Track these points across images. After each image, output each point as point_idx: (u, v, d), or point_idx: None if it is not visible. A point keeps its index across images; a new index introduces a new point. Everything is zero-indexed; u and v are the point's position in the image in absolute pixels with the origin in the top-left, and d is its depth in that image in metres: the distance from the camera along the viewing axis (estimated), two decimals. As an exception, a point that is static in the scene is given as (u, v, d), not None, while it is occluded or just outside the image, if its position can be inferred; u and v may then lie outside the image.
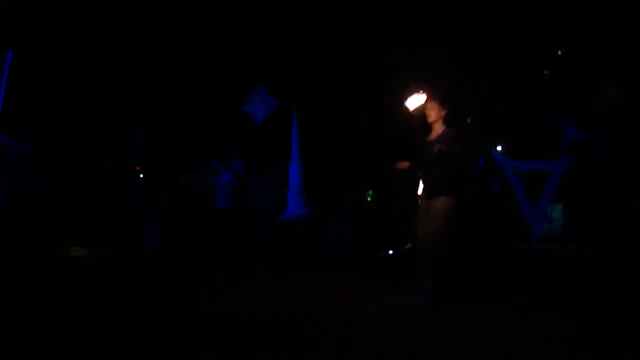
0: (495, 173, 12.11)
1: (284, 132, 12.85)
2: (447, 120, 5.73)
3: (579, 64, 12.31)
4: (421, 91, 5.79)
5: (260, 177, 12.80)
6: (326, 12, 12.77)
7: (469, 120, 12.38)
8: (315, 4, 12.88)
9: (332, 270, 8.83)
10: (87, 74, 12.19)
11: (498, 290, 6.62)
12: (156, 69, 13.10)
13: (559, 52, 12.38)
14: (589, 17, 11.48)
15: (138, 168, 12.46)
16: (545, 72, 12.73)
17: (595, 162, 11.99)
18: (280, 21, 13.03)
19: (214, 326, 4.79)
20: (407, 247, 11.31)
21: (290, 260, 9.89)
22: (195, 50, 13.24)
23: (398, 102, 5.90)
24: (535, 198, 11.77)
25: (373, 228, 12.00)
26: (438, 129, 5.76)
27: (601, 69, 12.19)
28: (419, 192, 5.82)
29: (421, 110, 5.79)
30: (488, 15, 11.93)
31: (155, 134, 12.93)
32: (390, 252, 11.39)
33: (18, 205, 11.16)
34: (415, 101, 5.82)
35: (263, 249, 10.88)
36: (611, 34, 11.58)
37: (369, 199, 13.65)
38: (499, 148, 13.06)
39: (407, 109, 5.84)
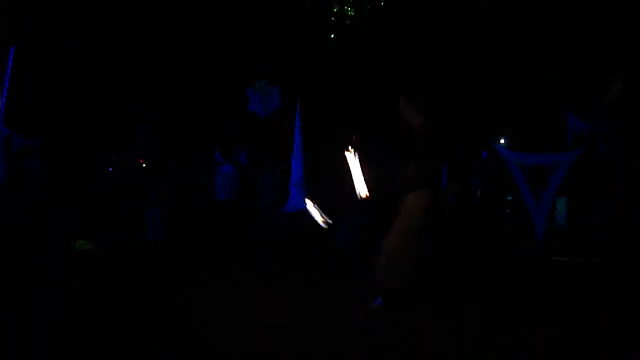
0: (499, 166, 12.04)
1: (288, 124, 12.78)
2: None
3: (586, 57, 12.21)
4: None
5: (264, 170, 12.76)
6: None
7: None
8: None
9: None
10: (91, 67, 12.19)
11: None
12: (161, 60, 13.07)
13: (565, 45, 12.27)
14: (595, 10, 11.39)
15: (141, 161, 12.47)
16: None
17: (601, 156, 11.92)
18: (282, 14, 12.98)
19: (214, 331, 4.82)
20: None
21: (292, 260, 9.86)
22: (199, 41, 13.19)
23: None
24: (539, 192, 11.71)
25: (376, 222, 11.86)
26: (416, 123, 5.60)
27: (608, 61, 12.10)
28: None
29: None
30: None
31: (160, 126, 12.92)
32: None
33: (23, 199, 11.21)
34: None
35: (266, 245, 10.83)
36: (617, 28, 11.48)
37: None
38: (502, 141, 13.01)
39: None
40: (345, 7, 13.74)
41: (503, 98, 12.46)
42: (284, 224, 11.43)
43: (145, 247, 10.66)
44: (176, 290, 6.65)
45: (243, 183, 12.44)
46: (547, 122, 12.42)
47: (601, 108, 12.09)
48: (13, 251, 9.23)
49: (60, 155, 11.75)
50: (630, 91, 11.76)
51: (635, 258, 8.44)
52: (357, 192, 5.52)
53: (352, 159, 5.60)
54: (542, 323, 5.03)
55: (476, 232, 10.60)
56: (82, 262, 9.14)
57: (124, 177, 11.97)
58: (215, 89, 13.00)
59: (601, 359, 4.15)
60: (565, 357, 4.16)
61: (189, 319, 5.11)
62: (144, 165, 12.78)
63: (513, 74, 12.36)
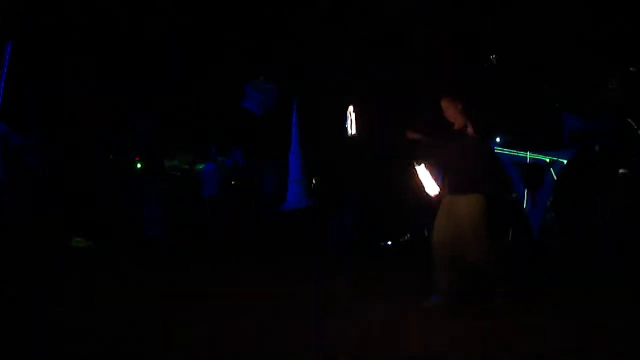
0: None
1: (284, 122, 12.81)
2: (465, 114, 5.63)
3: (579, 55, 12.26)
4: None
5: (261, 167, 12.81)
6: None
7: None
8: None
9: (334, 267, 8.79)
10: (88, 65, 12.16)
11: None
12: (156, 59, 13.04)
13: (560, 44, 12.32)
14: (587, 9, 11.44)
15: (137, 159, 12.46)
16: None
17: (597, 154, 12.00)
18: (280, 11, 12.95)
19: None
20: (406, 238, 11.31)
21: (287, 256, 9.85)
22: (196, 39, 13.16)
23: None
24: (535, 190, 11.78)
25: (374, 218, 11.92)
26: (460, 123, 5.66)
27: (602, 60, 12.14)
28: (440, 186, 5.79)
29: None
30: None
31: (156, 124, 12.87)
32: (389, 243, 11.40)
33: (20, 196, 11.19)
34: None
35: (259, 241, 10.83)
36: (611, 26, 11.54)
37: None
38: (497, 139, 13.04)
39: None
40: None
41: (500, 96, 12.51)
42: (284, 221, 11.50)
43: (144, 245, 10.64)
44: (174, 289, 6.65)
45: (234, 180, 12.49)
46: (543, 120, 12.47)
47: (598, 106, 12.15)
48: (10, 248, 9.20)
49: (58, 153, 11.73)
50: (627, 89, 11.83)
51: (630, 256, 8.51)
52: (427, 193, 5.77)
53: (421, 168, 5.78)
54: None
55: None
56: (78, 260, 9.12)
57: (122, 174, 11.97)
58: (213, 87, 12.99)
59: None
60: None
61: (189, 319, 5.11)
62: (138, 165, 12.77)
63: (511, 73, 12.42)
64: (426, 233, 11.58)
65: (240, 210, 12.35)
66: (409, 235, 11.37)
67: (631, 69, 11.44)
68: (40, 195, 11.10)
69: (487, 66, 12.63)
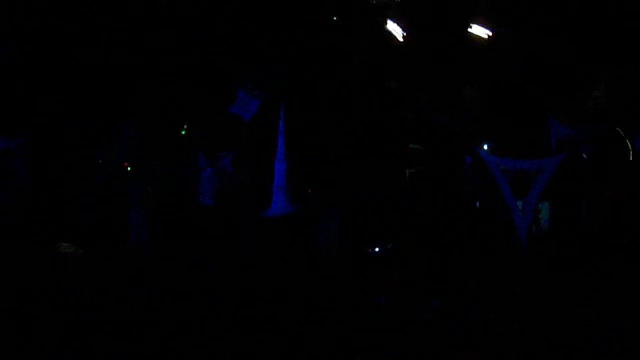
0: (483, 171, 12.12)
1: (271, 127, 12.80)
2: None
3: (567, 62, 12.32)
4: None
5: (247, 173, 12.81)
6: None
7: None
8: None
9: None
10: (76, 70, 12.17)
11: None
12: (145, 64, 13.04)
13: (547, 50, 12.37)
14: (577, 15, 11.51)
15: (126, 164, 12.46)
16: None
17: (584, 160, 12.05)
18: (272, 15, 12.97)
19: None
20: (389, 246, 11.30)
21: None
22: (187, 45, 13.18)
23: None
24: (523, 197, 11.79)
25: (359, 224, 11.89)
26: None
27: (589, 66, 12.21)
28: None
29: None
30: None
31: (144, 129, 12.87)
32: (377, 250, 11.38)
33: (6, 201, 11.19)
34: None
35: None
36: (600, 32, 11.61)
37: None
38: (485, 146, 13.08)
39: None
40: None
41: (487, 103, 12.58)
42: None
43: (128, 249, 10.64)
44: (155, 292, 6.66)
45: (225, 186, 12.47)
46: (531, 126, 12.52)
47: (585, 114, 12.22)
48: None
49: (44, 157, 11.72)
50: (612, 96, 11.90)
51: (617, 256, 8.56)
52: None
53: None
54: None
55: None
56: (65, 264, 9.13)
57: (108, 179, 11.97)
58: (200, 91, 13.01)
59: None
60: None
61: (171, 319, 5.12)
62: (128, 168, 12.77)
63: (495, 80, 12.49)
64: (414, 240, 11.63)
65: (228, 216, 12.33)
66: (391, 245, 11.36)
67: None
68: (26, 200, 11.10)
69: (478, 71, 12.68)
